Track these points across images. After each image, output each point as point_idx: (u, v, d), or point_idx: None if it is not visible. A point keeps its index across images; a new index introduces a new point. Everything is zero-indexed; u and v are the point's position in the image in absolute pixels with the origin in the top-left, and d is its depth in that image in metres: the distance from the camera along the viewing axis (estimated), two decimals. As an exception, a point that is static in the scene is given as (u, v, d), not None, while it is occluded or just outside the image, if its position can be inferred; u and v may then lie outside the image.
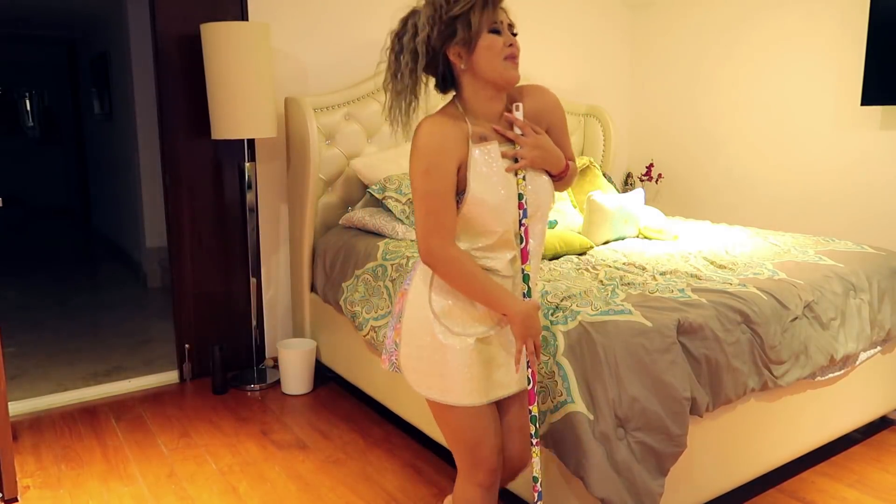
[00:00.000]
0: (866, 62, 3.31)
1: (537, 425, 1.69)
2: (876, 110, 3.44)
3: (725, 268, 2.62)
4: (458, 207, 1.58)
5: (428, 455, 2.75)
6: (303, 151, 3.34)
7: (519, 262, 1.66)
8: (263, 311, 3.60)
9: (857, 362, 2.62)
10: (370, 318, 2.81)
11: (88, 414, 3.17)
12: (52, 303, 5.00)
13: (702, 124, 4.30)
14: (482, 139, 1.59)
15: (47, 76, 9.87)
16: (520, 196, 1.60)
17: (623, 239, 3.25)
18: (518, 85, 1.65)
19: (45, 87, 10.02)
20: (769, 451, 2.37)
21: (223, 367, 3.36)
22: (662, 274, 2.52)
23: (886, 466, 2.66)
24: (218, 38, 3.08)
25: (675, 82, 4.44)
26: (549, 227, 3.12)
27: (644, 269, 2.59)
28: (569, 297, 2.20)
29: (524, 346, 1.60)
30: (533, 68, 4.23)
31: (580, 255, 2.93)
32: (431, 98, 1.68)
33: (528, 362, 1.65)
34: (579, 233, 3.17)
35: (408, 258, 2.76)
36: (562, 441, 1.95)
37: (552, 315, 2.10)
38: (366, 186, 3.45)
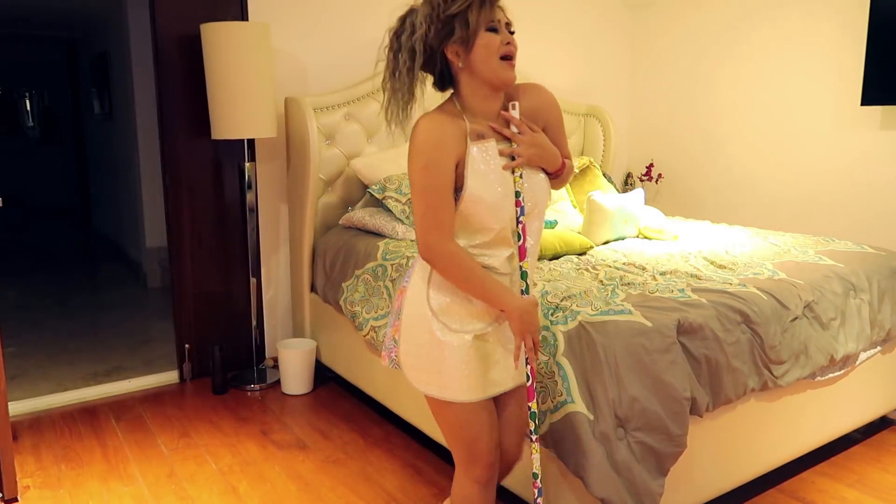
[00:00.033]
0: (866, 62, 3.31)
1: (537, 422, 1.70)
2: (876, 110, 3.44)
3: (725, 268, 2.62)
4: (455, 204, 1.59)
5: (428, 455, 2.75)
6: (303, 151, 3.34)
7: (516, 259, 1.67)
8: (263, 311, 3.60)
9: (857, 362, 2.62)
10: (370, 318, 2.81)
11: (88, 414, 3.17)
12: (52, 303, 5.00)
13: (702, 124, 4.30)
14: (480, 137, 1.60)
15: (47, 76, 9.86)
16: (517, 194, 1.61)
17: (623, 239, 3.25)
18: (516, 83, 1.66)
19: (45, 87, 10.02)
20: (769, 451, 2.37)
21: (223, 367, 3.36)
22: (662, 274, 2.52)
23: (886, 466, 2.66)
24: (218, 38, 3.08)
25: (675, 82, 4.44)
26: (550, 227, 3.12)
27: (644, 269, 2.59)
28: (569, 297, 2.20)
29: (523, 343, 1.61)
30: (533, 68, 4.23)
31: (580, 255, 2.93)
32: (428, 98, 1.68)
33: (526, 359, 1.65)
34: (579, 233, 3.17)
35: (408, 258, 2.76)
36: (562, 441, 1.95)
37: (552, 315, 2.10)
38: (366, 186, 3.45)
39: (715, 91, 4.19)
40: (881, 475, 2.60)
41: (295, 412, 3.18)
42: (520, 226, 1.63)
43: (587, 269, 2.62)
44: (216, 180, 3.48)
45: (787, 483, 2.54)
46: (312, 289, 3.49)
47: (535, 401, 1.69)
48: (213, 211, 3.49)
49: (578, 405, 1.92)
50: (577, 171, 3.83)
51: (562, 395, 1.96)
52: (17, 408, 3.17)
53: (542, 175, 1.68)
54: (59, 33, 7.47)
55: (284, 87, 3.47)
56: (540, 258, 2.82)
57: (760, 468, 2.37)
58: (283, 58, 3.46)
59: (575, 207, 3.55)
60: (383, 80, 1.64)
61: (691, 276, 2.48)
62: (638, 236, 3.31)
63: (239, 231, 3.55)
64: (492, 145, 1.61)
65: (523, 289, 1.67)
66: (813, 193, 3.75)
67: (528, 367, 1.66)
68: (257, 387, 3.42)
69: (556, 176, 1.72)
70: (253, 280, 3.47)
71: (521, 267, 1.67)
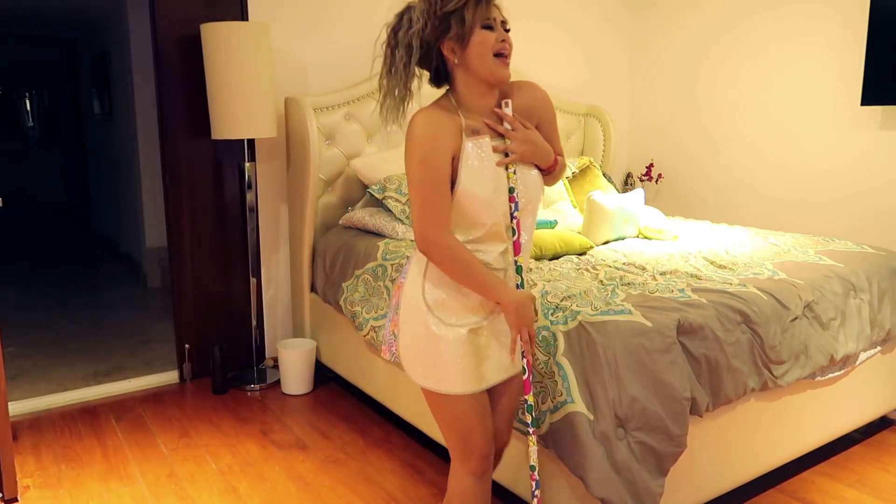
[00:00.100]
0: (866, 62, 3.31)
1: (533, 414, 1.73)
2: (876, 110, 3.44)
3: (725, 268, 2.62)
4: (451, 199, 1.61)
5: (428, 455, 2.75)
6: (303, 151, 3.34)
7: (510, 254, 1.70)
8: (263, 311, 3.60)
9: (857, 362, 2.62)
10: (370, 318, 2.81)
11: (88, 414, 3.17)
12: (52, 303, 5.00)
13: (702, 124, 4.30)
14: (475, 133, 1.62)
15: (47, 76, 9.86)
16: (511, 190, 1.64)
17: (623, 239, 3.25)
18: (510, 81, 1.68)
19: (45, 87, 10.02)
20: (769, 451, 2.37)
21: (223, 367, 3.36)
22: (662, 274, 2.52)
23: (886, 466, 2.66)
24: (218, 38, 3.08)
25: (675, 82, 4.44)
26: (549, 227, 3.12)
27: (644, 269, 2.59)
28: (569, 297, 2.20)
29: (518, 335, 1.63)
30: (533, 68, 4.23)
31: (580, 255, 2.93)
32: (425, 97, 1.70)
33: (522, 352, 1.68)
34: (579, 233, 3.17)
35: (408, 258, 2.76)
36: (562, 441, 1.95)
37: (552, 315, 2.10)
38: (366, 186, 3.45)
39: (715, 91, 4.19)
40: (881, 475, 2.60)
41: (295, 412, 3.18)
42: (514, 221, 1.66)
43: (587, 269, 2.62)
44: (216, 180, 3.48)
45: (787, 483, 2.54)
46: (312, 289, 3.49)
47: (531, 393, 1.72)
48: (213, 211, 3.49)
49: (578, 405, 1.92)
50: (577, 170, 3.83)
51: (562, 394, 1.96)
52: (17, 408, 3.17)
53: (536, 171, 1.71)
54: (59, 33, 7.47)
55: (284, 87, 3.47)
56: (540, 258, 2.82)
57: (760, 468, 2.37)
58: (283, 58, 3.46)
59: (575, 207, 3.55)
60: (380, 76, 1.66)
61: (691, 276, 2.48)
62: (638, 236, 3.31)
63: (239, 231, 3.55)
64: (486, 141, 1.63)
65: (518, 283, 1.70)
66: (813, 193, 3.75)
67: (525, 359, 1.69)
68: (257, 387, 3.42)
69: (549, 172, 1.75)
70: (253, 280, 3.47)
71: (516, 262, 1.70)
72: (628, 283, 2.37)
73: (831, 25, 3.57)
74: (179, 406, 3.25)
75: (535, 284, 2.35)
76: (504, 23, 1.63)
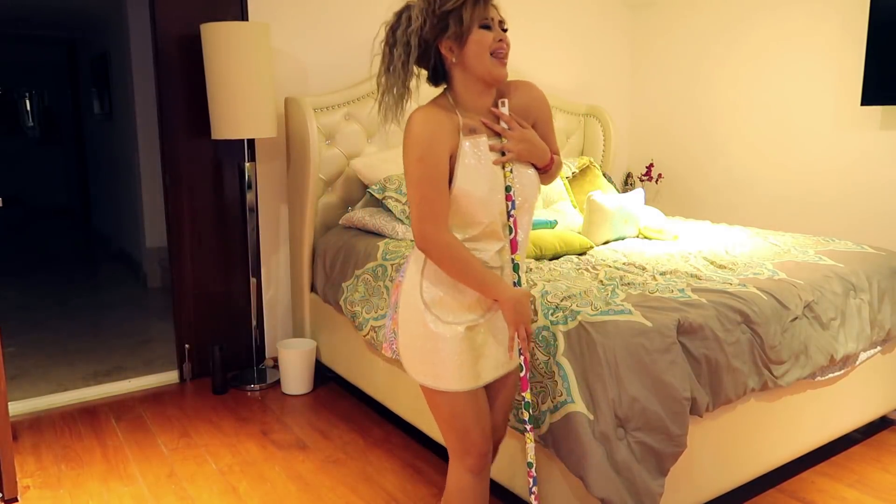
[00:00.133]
0: (866, 62, 3.31)
1: (530, 411, 1.75)
2: (876, 110, 3.44)
3: (725, 268, 2.62)
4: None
5: (428, 455, 2.75)
6: (303, 151, 3.34)
7: (507, 252, 1.71)
8: (263, 311, 3.60)
9: (857, 362, 2.62)
10: (370, 318, 2.81)
11: (88, 414, 3.17)
12: (52, 303, 5.00)
13: (702, 124, 4.30)
14: (472, 131, 1.64)
15: (47, 76, 9.86)
16: (507, 188, 1.66)
17: (623, 239, 3.25)
18: (507, 80, 1.70)
19: (45, 87, 10.02)
20: (769, 451, 2.37)
21: (223, 367, 3.36)
22: (662, 274, 2.52)
23: (886, 466, 2.66)
24: (218, 38, 3.08)
25: (675, 82, 4.44)
26: (549, 227, 3.12)
27: (644, 269, 2.59)
28: (569, 297, 2.20)
29: (516, 332, 1.65)
30: (533, 68, 4.24)
31: (580, 255, 2.93)
32: (423, 98, 1.70)
33: (520, 349, 1.70)
34: (579, 233, 3.17)
35: (407, 258, 2.76)
36: (562, 441, 1.95)
37: (552, 315, 2.10)
38: (366, 186, 3.45)
39: (715, 91, 4.19)
40: (881, 475, 2.60)
41: (295, 412, 3.18)
42: (511, 219, 1.68)
43: (587, 269, 2.62)
44: (216, 180, 3.48)
45: (787, 483, 2.54)
46: (312, 289, 3.49)
47: (528, 390, 1.74)
48: (213, 211, 3.49)
49: (578, 405, 1.92)
50: (577, 170, 3.83)
51: (562, 395, 1.96)
52: (17, 408, 3.17)
53: (532, 170, 1.73)
54: (59, 33, 7.47)
55: (284, 87, 3.47)
56: (540, 258, 2.82)
57: (760, 468, 2.37)
58: (283, 58, 3.47)
59: (575, 207, 3.55)
60: (378, 74, 1.68)
61: (691, 276, 2.48)
62: (638, 236, 3.31)
63: (239, 231, 3.55)
64: (483, 140, 1.65)
65: (515, 280, 1.72)
66: (813, 193, 3.75)
67: (522, 357, 1.71)
68: (257, 387, 3.42)
69: (546, 171, 1.77)
70: (253, 280, 3.47)
71: (512, 259, 1.71)
72: (628, 283, 2.37)
73: (831, 25, 3.57)
74: (179, 406, 3.25)
75: (535, 284, 2.35)
76: (502, 23, 1.64)
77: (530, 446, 1.75)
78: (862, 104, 3.34)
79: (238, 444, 2.87)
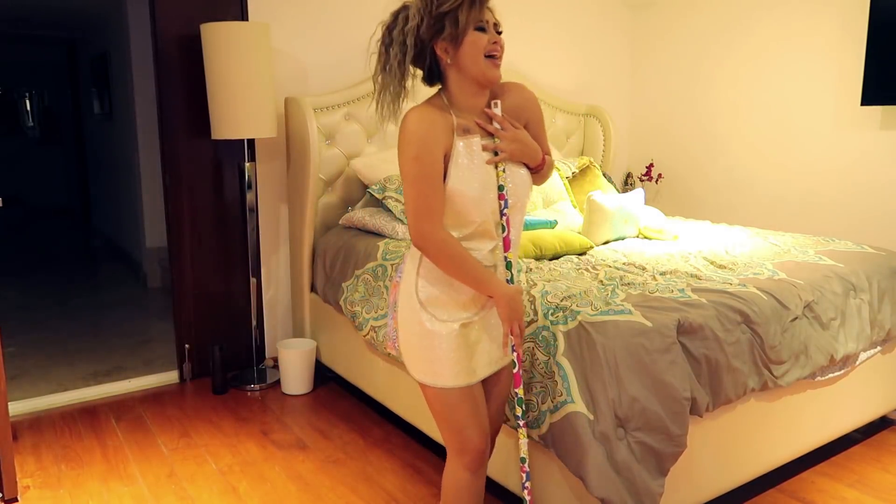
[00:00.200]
0: (866, 62, 3.31)
1: (524, 407, 1.77)
2: (876, 110, 3.44)
3: (725, 268, 2.62)
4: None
5: (428, 455, 2.75)
6: (303, 151, 3.34)
7: (500, 251, 1.75)
8: (263, 311, 3.60)
9: (857, 362, 2.62)
10: (370, 318, 2.81)
11: (88, 414, 3.17)
12: (52, 303, 5.00)
13: (702, 124, 4.30)
14: (466, 131, 1.67)
15: (47, 76, 9.86)
16: (500, 188, 1.69)
17: (623, 239, 3.25)
18: (500, 82, 1.73)
19: (45, 87, 10.02)
20: (769, 451, 2.37)
21: (223, 367, 3.36)
22: (662, 274, 2.51)
23: (886, 466, 2.66)
24: (218, 38, 3.08)
25: (675, 82, 4.44)
26: (549, 227, 3.12)
27: (644, 269, 2.59)
28: (569, 297, 2.20)
29: (510, 329, 1.68)
30: (533, 68, 4.24)
31: (580, 255, 2.93)
32: (419, 97, 1.71)
33: (512, 346, 1.73)
34: (579, 233, 3.17)
35: (404, 258, 2.76)
36: (562, 441, 1.95)
37: (552, 315, 2.10)
38: (366, 186, 3.45)
39: (715, 91, 4.19)
40: (881, 475, 2.60)
41: (295, 412, 3.18)
42: (504, 218, 1.70)
43: (587, 269, 2.62)
44: (216, 180, 3.48)
45: (787, 483, 2.54)
46: (312, 289, 3.49)
47: (521, 387, 1.76)
48: (213, 211, 3.49)
49: (578, 405, 1.92)
50: (577, 170, 3.83)
51: (562, 395, 1.96)
52: (17, 408, 3.17)
53: (525, 170, 1.76)
54: (59, 33, 7.46)
55: (284, 87, 3.47)
56: (540, 258, 2.82)
57: (760, 468, 2.37)
58: (283, 58, 3.46)
59: (575, 207, 3.55)
60: (374, 73, 1.70)
61: (691, 276, 2.48)
62: (638, 236, 3.31)
63: (239, 231, 3.55)
64: (476, 140, 1.67)
65: (508, 278, 1.75)
66: (813, 193, 3.75)
67: (514, 353, 1.74)
68: (257, 387, 3.42)
69: (538, 171, 1.80)
70: (253, 280, 3.47)
71: (506, 258, 1.74)
72: (628, 283, 2.37)
73: (831, 25, 3.57)
74: (179, 406, 3.25)
75: (535, 284, 2.35)
76: (496, 25, 1.67)
77: (523, 442, 1.78)
78: (862, 104, 3.34)
79: (238, 444, 2.87)
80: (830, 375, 2.51)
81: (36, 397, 3.29)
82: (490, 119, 1.70)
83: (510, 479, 2.22)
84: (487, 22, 1.64)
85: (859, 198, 3.54)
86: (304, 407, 3.24)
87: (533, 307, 2.16)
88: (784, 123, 3.85)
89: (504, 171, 1.69)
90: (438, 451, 2.76)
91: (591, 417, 1.91)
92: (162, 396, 3.36)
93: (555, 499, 2.07)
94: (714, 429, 2.16)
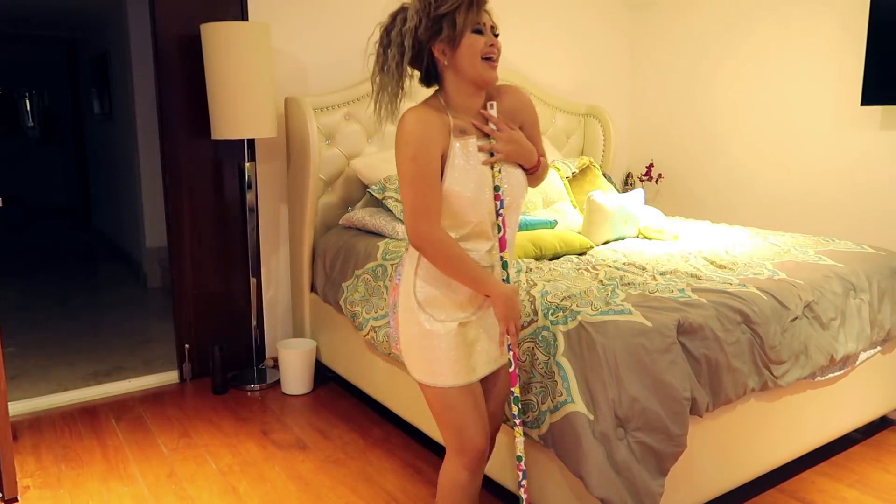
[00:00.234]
0: (866, 62, 3.31)
1: (520, 406, 1.79)
2: (876, 110, 3.44)
3: (725, 268, 2.62)
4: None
5: (428, 455, 2.75)
6: (303, 151, 3.34)
7: (496, 251, 1.77)
8: (263, 311, 3.60)
9: (857, 362, 2.62)
10: (370, 318, 2.81)
11: (88, 414, 3.17)
12: (52, 303, 5.00)
13: (702, 124, 4.30)
14: (462, 132, 1.68)
15: (47, 76, 9.86)
16: (496, 188, 1.71)
17: (623, 239, 3.25)
18: (496, 84, 1.74)
19: (45, 87, 10.02)
20: (769, 451, 2.37)
21: (223, 367, 3.36)
22: (662, 274, 2.51)
23: (886, 466, 2.66)
24: (218, 38, 3.08)
25: (675, 82, 4.44)
26: (549, 227, 3.12)
27: (644, 269, 2.59)
28: (569, 297, 2.20)
29: (506, 328, 1.70)
30: (533, 68, 4.24)
31: (580, 255, 2.93)
32: (417, 98, 1.73)
33: (509, 345, 1.74)
34: (579, 233, 3.17)
35: (402, 259, 2.76)
36: (562, 441, 1.95)
37: (552, 315, 2.10)
38: (366, 186, 3.45)
39: (715, 91, 4.19)
40: (881, 475, 2.60)
41: (295, 412, 3.18)
42: (499, 218, 1.72)
43: (587, 269, 2.62)
44: (216, 180, 3.48)
45: (787, 483, 2.54)
46: (312, 289, 3.49)
47: (517, 385, 1.78)
48: (213, 211, 3.49)
49: (578, 405, 1.92)
50: (577, 170, 3.83)
51: (562, 395, 1.96)
52: (17, 408, 3.17)
53: (520, 171, 1.77)
54: (59, 33, 7.46)
55: (284, 87, 3.47)
56: (540, 258, 2.82)
57: (760, 468, 2.37)
58: (283, 58, 3.46)
59: (575, 207, 3.55)
60: (372, 73, 1.72)
61: (691, 276, 2.48)
62: (638, 236, 3.31)
63: (239, 231, 3.55)
64: (472, 142, 1.69)
65: (505, 278, 1.76)
66: (813, 193, 3.75)
67: (511, 352, 1.75)
68: (257, 387, 3.42)
69: (533, 172, 1.82)
70: (253, 280, 3.47)
71: (501, 257, 1.76)
72: (628, 283, 2.37)
73: (831, 25, 3.57)
74: (179, 406, 3.25)
75: (536, 284, 2.35)
76: (494, 28, 1.69)
77: (519, 440, 1.79)
78: (862, 104, 3.35)
79: (238, 444, 2.87)
80: (830, 375, 2.51)
81: (36, 397, 3.29)
82: (486, 120, 1.72)
83: (508, 478, 2.22)
84: (485, 24, 1.65)
85: (859, 198, 3.54)
86: (304, 407, 3.24)
87: (533, 307, 2.17)
88: (784, 123, 3.85)
89: (500, 171, 1.70)
90: (438, 451, 2.76)
91: (591, 417, 1.91)
92: (162, 396, 3.36)
93: (555, 499, 2.07)
94: (714, 429, 2.16)
